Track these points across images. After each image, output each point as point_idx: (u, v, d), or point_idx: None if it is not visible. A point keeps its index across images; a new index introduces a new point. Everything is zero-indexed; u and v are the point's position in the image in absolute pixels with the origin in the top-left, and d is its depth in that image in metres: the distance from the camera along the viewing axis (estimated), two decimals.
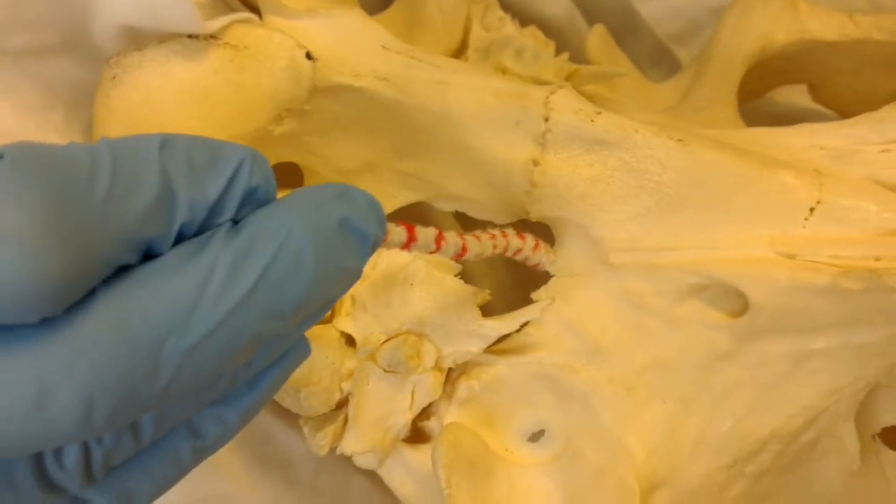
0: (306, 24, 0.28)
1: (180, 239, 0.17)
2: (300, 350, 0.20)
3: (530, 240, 0.28)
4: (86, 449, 0.17)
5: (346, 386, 0.28)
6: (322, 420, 0.28)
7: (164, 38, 0.27)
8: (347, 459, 0.29)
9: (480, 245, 0.25)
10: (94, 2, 0.27)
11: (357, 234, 0.18)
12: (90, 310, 0.15)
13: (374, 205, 0.19)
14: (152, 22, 0.27)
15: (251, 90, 0.27)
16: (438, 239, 0.23)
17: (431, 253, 0.23)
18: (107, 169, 0.16)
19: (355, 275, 0.19)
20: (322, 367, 0.27)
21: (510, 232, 0.27)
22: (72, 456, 0.17)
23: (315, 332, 0.27)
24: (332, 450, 0.28)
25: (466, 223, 0.33)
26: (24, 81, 0.27)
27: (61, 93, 0.28)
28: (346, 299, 0.28)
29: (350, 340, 0.28)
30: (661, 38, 0.44)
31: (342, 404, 0.28)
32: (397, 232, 0.21)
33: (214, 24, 0.27)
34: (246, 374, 0.19)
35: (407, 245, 0.22)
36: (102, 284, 0.16)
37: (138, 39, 0.27)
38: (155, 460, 0.19)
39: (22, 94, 0.27)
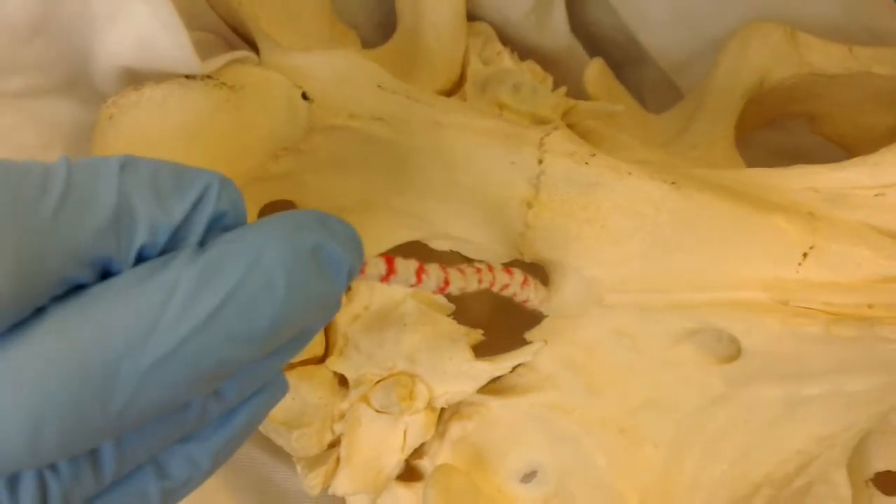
0: (303, 63, 0.29)
1: (141, 262, 0.16)
2: (277, 386, 0.19)
3: (518, 275, 0.27)
4: (42, 482, 0.16)
5: (338, 427, 0.28)
6: (314, 460, 0.28)
7: (160, 77, 0.27)
8: (345, 499, 0.29)
9: (465, 279, 0.24)
10: (93, 43, 0.27)
11: (332, 262, 0.18)
12: (38, 326, 0.15)
13: (351, 233, 0.18)
14: (151, 62, 0.27)
15: (247, 129, 0.28)
16: (419, 272, 0.22)
17: (412, 287, 0.22)
18: (59, 184, 0.15)
19: (332, 305, 0.18)
20: (314, 409, 0.27)
21: (497, 267, 0.26)
22: (27, 490, 0.16)
23: (307, 373, 0.27)
24: (325, 489, 0.28)
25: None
26: (22, 122, 0.28)
27: (61, 133, 0.28)
28: (340, 338, 0.28)
29: (343, 381, 0.28)
30: (662, 68, 0.44)
31: (335, 444, 0.28)
32: (376, 263, 0.21)
33: (212, 65, 0.28)
34: (217, 408, 0.18)
35: (387, 277, 0.21)
36: (53, 302, 0.15)
37: (137, 80, 0.27)
38: (119, 500, 0.17)
39: (21, 135, 0.28)
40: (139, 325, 0.15)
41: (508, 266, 0.27)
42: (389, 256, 0.21)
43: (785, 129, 0.43)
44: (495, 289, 0.26)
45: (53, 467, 0.16)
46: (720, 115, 0.36)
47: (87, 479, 0.17)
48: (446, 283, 0.23)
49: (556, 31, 0.39)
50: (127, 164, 0.16)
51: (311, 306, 0.17)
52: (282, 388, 0.20)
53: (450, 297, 0.29)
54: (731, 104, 0.36)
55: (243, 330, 0.16)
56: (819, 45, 0.36)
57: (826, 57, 0.36)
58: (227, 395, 0.18)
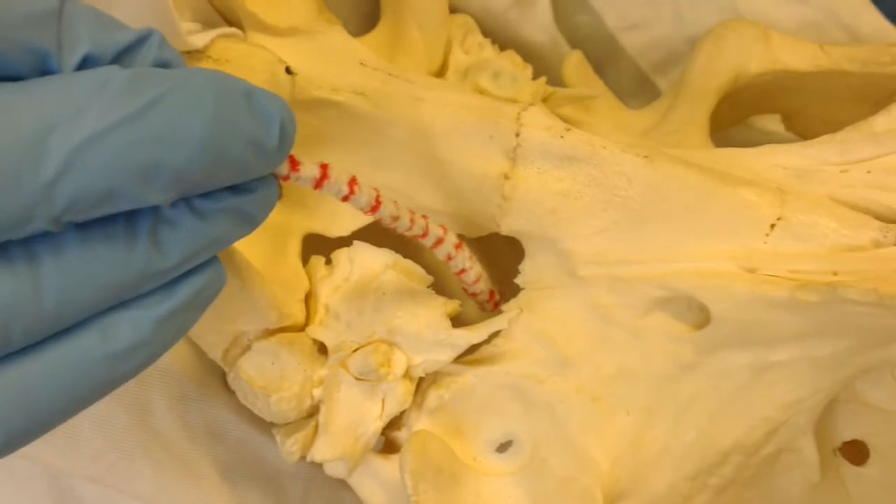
0: (287, 41, 0.29)
1: None
2: (217, 271, 0.20)
3: (452, 236, 0.27)
4: None
5: (317, 393, 0.28)
6: (293, 427, 0.29)
7: None
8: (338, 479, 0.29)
9: (397, 210, 0.25)
10: None
11: (264, 110, 0.18)
12: None
13: (281, 101, 0.19)
14: None
15: None
16: (352, 183, 0.23)
17: (344, 199, 0.23)
18: None
19: (266, 153, 0.19)
20: (294, 373, 0.28)
21: (433, 222, 0.27)
22: None
23: (287, 339, 0.28)
24: (303, 457, 0.29)
25: None
26: None
27: None
28: (320, 309, 0.29)
29: (322, 349, 0.29)
30: (642, 68, 0.45)
31: (313, 412, 0.29)
32: (310, 167, 0.22)
33: (199, 41, 0.28)
34: (160, 264, 0.18)
35: (320, 182, 0.22)
36: None
37: None
38: (59, 356, 0.18)
39: None
40: (71, 102, 0.16)
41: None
42: (325, 164, 0.22)
43: (759, 129, 0.44)
44: (428, 241, 0.27)
45: None
46: (695, 109, 0.37)
47: (27, 303, 0.17)
48: (378, 202, 0.24)
49: (539, 25, 0.40)
50: None
51: (241, 140, 0.18)
52: (221, 276, 0.20)
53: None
54: (706, 99, 0.37)
55: (172, 134, 0.17)
56: (790, 43, 0.37)
57: (797, 55, 0.37)
58: (169, 253, 0.18)
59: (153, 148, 0.17)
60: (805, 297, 0.25)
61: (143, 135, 0.16)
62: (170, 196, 0.18)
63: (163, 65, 0.19)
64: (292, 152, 0.21)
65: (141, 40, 0.18)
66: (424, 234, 0.26)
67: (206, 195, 0.19)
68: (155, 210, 0.18)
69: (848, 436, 0.28)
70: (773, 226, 0.26)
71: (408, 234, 0.26)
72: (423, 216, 0.26)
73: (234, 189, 0.19)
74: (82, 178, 0.16)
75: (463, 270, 0.28)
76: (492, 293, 0.30)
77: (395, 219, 0.25)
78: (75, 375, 0.18)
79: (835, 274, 0.25)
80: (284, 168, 0.21)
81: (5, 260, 0.17)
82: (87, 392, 0.18)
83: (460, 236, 0.28)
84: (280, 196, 0.21)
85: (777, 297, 0.25)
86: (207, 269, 0.20)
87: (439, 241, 0.27)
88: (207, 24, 0.33)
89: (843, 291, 0.24)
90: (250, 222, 0.20)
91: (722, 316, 0.26)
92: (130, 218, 0.18)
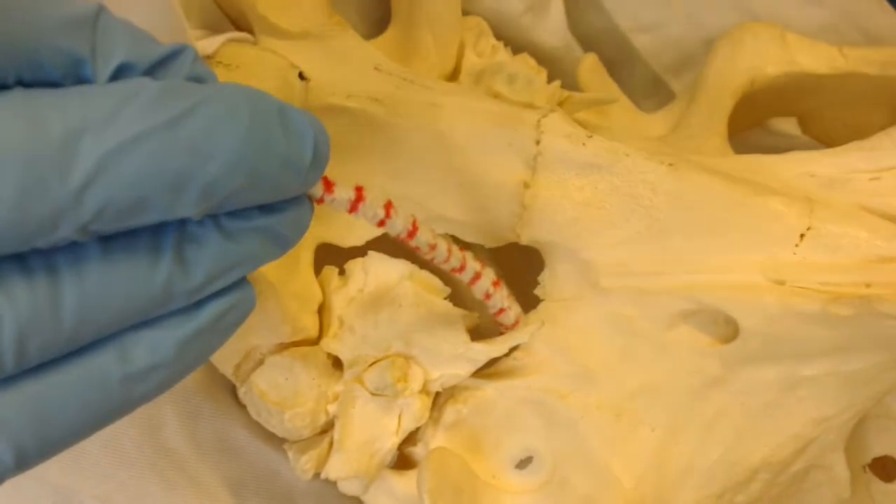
0: (299, 45, 0.29)
1: None
2: (246, 293, 0.19)
3: (490, 272, 0.27)
4: None
5: (332, 408, 0.27)
6: (306, 444, 0.28)
7: None
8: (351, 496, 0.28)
9: (434, 237, 0.24)
10: None
11: (298, 126, 0.18)
12: (2, 96, 0.15)
13: (316, 119, 0.19)
14: None
15: None
16: (388, 207, 0.22)
17: (379, 224, 0.22)
18: None
19: (299, 170, 0.18)
20: (308, 389, 0.27)
21: (469, 254, 0.26)
22: None
23: (301, 353, 0.27)
24: (317, 475, 0.28)
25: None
26: None
27: None
28: (335, 321, 0.28)
29: (337, 363, 0.28)
30: (655, 69, 0.45)
31: (327, 429, 0.28)
32: (345, 189, 0.21)
33: (209, 46, 0.28)
34: (184, 284, 0.18)
35: (355, 205, 0.21)
36: (22, 86, 0.16)
37: None
38: (75, 375, 0.17)
39: None
40: (102, 110, 0.16)
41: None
42: (360, 186, 0.21)
43: (776, 132, 0.44)
44: (465, 277, 0.26)
45: (9, 292, 0.16)
46: (712, 112, 0.36)
47: (45, 319, 0.16)
48: (415, 227, 0.23)
49: (553, 29, 0.40)
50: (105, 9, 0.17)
51: (274, 156, 0.17)
52: (250, 299, 0.19)
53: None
54: (723, 102, 0.36)
55: (205, 146, 0.16)
56: (808, 45, 0.37)
57: (815, 57, 0.36)
58: (194, 272, 0.18)
59: (185, 158, 0.16)
60: (838, 310, 0.24)
61: (175, 144, 0.16)
62: (199, 209, 0.17)
63: (196, 80, 0.18)
64: (326, 173, 0.20)
65: (174, 55, 0.18)
66: (462, 268, 0.26)
67: (235, 214, 0.18)
68: (181, 227, 0.18)
69: (877, 451, 0.28)
70: (802, 236, 0.26)
71: (444, 265, 0.25)
72: (461, 248, 0.25)
73: (265, 208, 0.18)
74: (112, 186, 0.16)
75: (501, 311, 0.28)
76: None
77: (433, 247, 0.24)
78: (91, 395, 0.17)
79: (868, 286, 0.24)
80: (318, 189, 0.20)
81: (25, 272, 0.16)
82: (103, 413, 0.18)
83: (498, 275, 0.28)
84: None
85: (808, 311, 0.24)
86: (235, 291, 0.19)
87: (477, 277, 0.26)
88: (217, 31, 0.32)
89: (878, 305, 0.23)
90: (281, 244, 0.19)
91: (751, 329, 0.25)
92: (155, 234, 0.17)
